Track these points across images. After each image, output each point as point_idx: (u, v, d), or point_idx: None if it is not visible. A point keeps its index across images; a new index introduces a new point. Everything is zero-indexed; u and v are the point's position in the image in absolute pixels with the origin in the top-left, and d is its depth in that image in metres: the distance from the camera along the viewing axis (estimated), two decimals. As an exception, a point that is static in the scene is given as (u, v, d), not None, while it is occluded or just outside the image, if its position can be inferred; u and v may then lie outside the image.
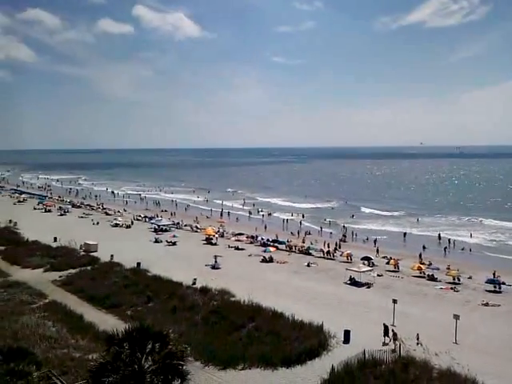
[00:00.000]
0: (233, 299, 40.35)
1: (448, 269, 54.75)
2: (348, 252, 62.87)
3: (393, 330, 32.38)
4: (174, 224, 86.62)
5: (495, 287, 48.37)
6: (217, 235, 75.23)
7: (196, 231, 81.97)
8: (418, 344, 31.86)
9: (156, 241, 71.32)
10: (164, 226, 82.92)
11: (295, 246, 67.94)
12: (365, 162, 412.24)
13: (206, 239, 72.59)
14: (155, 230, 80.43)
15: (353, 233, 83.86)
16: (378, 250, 66.12)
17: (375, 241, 74.60)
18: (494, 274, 52.00)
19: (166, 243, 69.76)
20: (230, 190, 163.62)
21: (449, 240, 76.02)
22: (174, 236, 73.46)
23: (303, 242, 71.46)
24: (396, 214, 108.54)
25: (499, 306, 42.81)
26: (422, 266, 55.56)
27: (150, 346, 19.94)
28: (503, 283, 49.14)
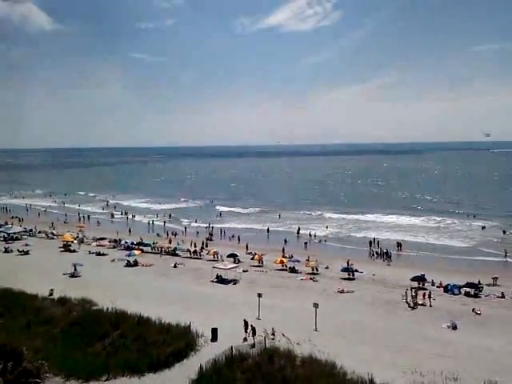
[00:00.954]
0: (95, 308, 38.22)
1: (307, 260, 58.01)
2: (214, 250, 63.43)
3: (251, 325, 33.05)
4: (26, 231, 79.90)
5: (349, 275, 52.35)
6: (76, 241, 71.01)
7: (52, 238, 76.53)
8: (273, 339, 32.45)
9: (6, 251, 65.09)
10: (14, 233, 76.06)
11: (161, 248, 66.79)
12: (224, 160, 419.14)
13: (64, 246, 68.11)
14: (5, 239, 73.41)
15: (221, 230, 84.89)
16: (247, 246, 67.87)
17: (239, 238, 76.44)
18: (347, 263, 56.29)
19: (17, 252, 63.98)
20: (88, 192, 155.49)
21: (310, 233, 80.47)
22: (27, 244, 67.68)
23: (170, 243, 70.56)
24: (257, 210, 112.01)
25: (353, 291, 46.32)
26: (284, 259, 58.07)
27: (1, 366, 18.07)
28: (356, 270, 53.40)
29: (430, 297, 42.84)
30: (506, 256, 63.01)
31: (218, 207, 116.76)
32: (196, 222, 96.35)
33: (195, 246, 67.34)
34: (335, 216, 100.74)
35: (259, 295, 38.47)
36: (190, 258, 62.88)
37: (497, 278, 50.02)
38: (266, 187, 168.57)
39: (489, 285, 48.57)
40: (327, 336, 33.68)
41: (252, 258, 60.33)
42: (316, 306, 35.97)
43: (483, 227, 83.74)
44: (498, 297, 44.62)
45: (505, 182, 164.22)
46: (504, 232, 78.95)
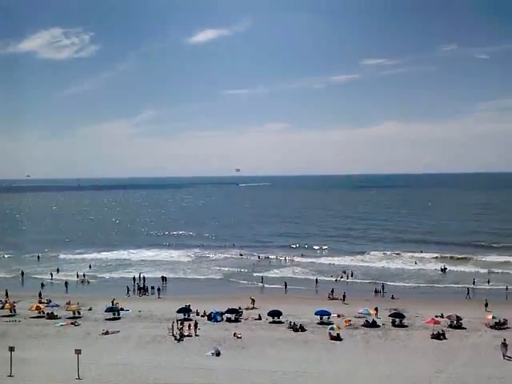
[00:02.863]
0: None
1: (68, 304, 53.76)
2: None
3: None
4: None
5: (114, 314, 50.21)
6: None
7: None
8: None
9: None
10: None
11: None
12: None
13: None
14: None
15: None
16: (7, 294, 60.15)
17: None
18: (112, 302, 54.05)
19: None
20: None
21: (77, 274, 75.12)
22: None
23: None
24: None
25: (119, 331, 44.46)
26: (40, 305, 52.81)
27: None
28: (121, 309, 51.60)
29: (195, 327, 43.89)
30: (262, 281, 69.05)
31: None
32: None
33: None
34: (94, 255, 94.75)
35: (11, 349, 33.83)
36: None
37: (254, 300, 54.32)
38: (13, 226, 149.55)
39: (247, 308, 52.35)
40: (92, 383, 31.39)
41: (2, 308, 53.12)
42: (78, 352, 33.25)
43: (241, 254, 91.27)
44: (255, 319, 48.26)
45: (250, 211, 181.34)
46: (259, 257, 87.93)
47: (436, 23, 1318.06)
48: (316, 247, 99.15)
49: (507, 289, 61.65)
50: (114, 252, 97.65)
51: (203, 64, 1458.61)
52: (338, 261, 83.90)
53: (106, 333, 43.95)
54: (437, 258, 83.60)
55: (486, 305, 50.86)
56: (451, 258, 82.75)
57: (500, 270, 72.39)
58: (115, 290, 64.70)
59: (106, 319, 49.08)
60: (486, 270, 72.31)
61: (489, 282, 65.78)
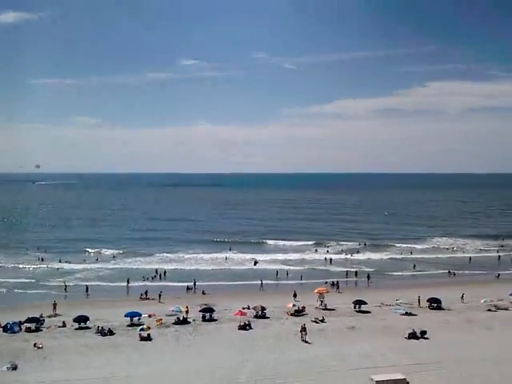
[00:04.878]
0: None
1: None
2: None
3: None
4: None
5: None
6: None
7: None
8: None
9: None
10: None
11: None
12: None
13: None
14: None
15: None
16: None
17: None
18: None
19: None
20: None
21: None
22: None
23: None
24: None
25: None
26: None
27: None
28: None
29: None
30: (66, 288, 64.44)
31: None
32: None
33: None
34: None
35: None
36: None
37: (55, 305, 50.54)
38: None
39: (50, 316, 48.43)
40: None
41: None
42: None
43: (42, 259, 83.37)
44: (59, 326, 44.87)
45: (40, 213, 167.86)
46: (59, 261, 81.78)
47: (247, 31, 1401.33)
48: (117, 251, 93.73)
49: (301, 279, 69.56)
50: None
51: (5, 48, 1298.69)
52: (145, 263, 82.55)
53: None
54: (245, 257, 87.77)
55: (295, 295, 55.52)
56: (260, 257, 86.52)
57: (297, 267, 79.24)
58: None
59: None
60: (286, 266, 79.12)
61: (287, 274, 73.43)
